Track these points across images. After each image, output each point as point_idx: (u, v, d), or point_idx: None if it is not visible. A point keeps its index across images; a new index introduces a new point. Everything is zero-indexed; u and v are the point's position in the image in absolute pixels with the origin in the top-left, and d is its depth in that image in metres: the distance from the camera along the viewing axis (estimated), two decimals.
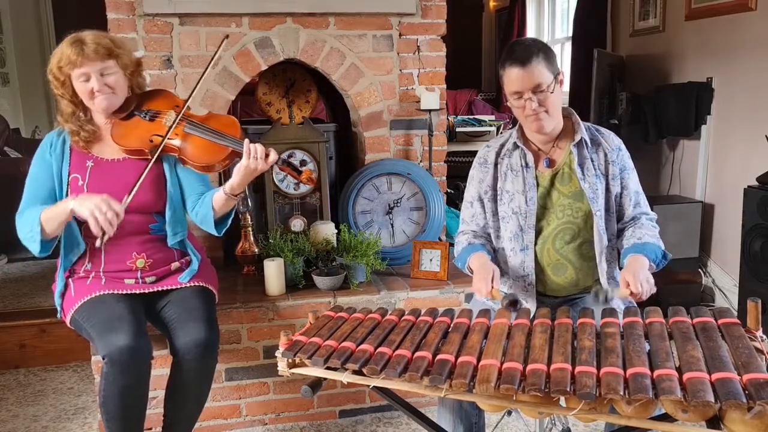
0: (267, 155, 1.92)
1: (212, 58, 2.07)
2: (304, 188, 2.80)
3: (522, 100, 1.77)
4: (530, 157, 1.87)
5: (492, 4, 7.37)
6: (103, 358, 1.82)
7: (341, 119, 3.20)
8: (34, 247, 1.90)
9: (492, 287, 1.71)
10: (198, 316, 1.96)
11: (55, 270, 2.07)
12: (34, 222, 1.87)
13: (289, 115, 2.91)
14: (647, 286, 1.64)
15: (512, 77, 1.76)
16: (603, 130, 1.93)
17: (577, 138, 1.85)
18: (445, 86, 3.00)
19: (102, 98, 1.95)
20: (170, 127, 1.98)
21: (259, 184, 2.76)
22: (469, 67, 7.22)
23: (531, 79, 1.73)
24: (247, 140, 1.94)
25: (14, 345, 2.99)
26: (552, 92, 1.76)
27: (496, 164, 1.93)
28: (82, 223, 2.00)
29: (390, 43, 2.89)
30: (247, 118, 4.12)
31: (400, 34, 2.89)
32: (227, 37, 2.11)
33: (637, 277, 1.63)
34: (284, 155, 2.05)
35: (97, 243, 1.85)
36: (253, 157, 1.90)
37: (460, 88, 6.13)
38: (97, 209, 1.77)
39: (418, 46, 2.92)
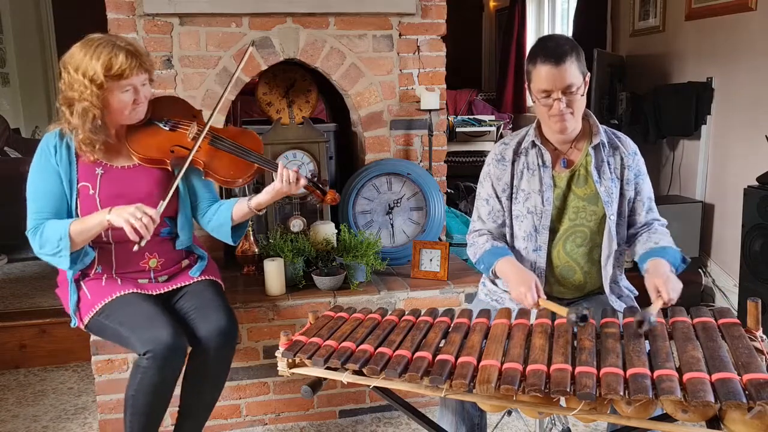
0: (298, 179, 1.99)
1: (235, 72, 2.10)
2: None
3: (550, 99, 1.73)
4: (548, 157, 1.85)
5: (492, 4, 7.36)
6: (144, 354, 1.82)
7: (341, 119, 3.20)
8: (63, 263, 1.88)
9: (539, 297, 1.66)
10: (217, 305, 2.00)
11: (56, 272, 2.06)
12: (63, 236, 1.84)
13: (289, 115, 2.91)
14: (677, 292, 1.60)
15: (543, 75, 1.72)
16: (619, 134, 1.91)
17: (596, 140, 1.83)
18: (445, 86, 3.00)
19: (138, 109, 1.95)
20: (197, 141, 1.99)
21: (259, 185, 2.76)
22: (469, 67, 7.21)
23: (563, 80, 1.70)
24: (281, 163, 2.00)
25: (14, 345, 2.99)
26: (581, 95, 1.75)
27: (513, 162, 1.90)
28: None
29: (390, 43, 2.89)
30: (247, 118, 4.12)
31: (400, 34, 2.89)
32: (253, 43, 2.13)
33: (666, 283, 1.59)
34: (308, 173, 2.12)
35: (135, 248, 1.85)
36: (287, 182, 1.97)
37: (460, 88, 6.13)
38: (132, 216, 1.79)
39: (418, 46, 2.92)
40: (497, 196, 1.91)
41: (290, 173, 1.98)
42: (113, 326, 1.91)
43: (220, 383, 2.07)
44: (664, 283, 1.59)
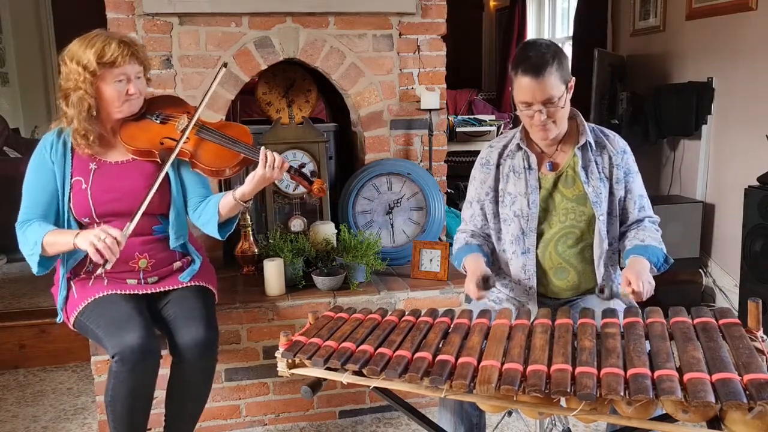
0: (282, 164, 1.95)
1: (213, 82, 2.08)
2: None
3: (531, 110, 1.73)
4: (533, 159, 1.84)
5: (492, 3, 7.36)
6: (113, 358, 1.82)
7: (341, 119, 3.19)
8: (33, 267, 1.92)
9: (479, 291, 1.74)
10: (197, 315, 1.96)
11: (54, 271, 2.06)
12: (37, 242, 1.87)
13: (288, 114, 2.91)
14: (648, 287, 1.63)
15: (523, 87, 1.71)
16: (608, 131, 1.90)
17: (582, 141, 1.82)
18: (445, 86, 3.00)
19: (132, 102, 1.95)
20: (184, 132, 1.98)
21: None
22: (469, 67, 7.21)
23: (543, 93, 1.69)
24: (263, 148, 1.96)
25: (14, 345, 2.99)
26: (562, 106, 1.73)
27: (498, 165, 1.90)
28: (83, 227, 1.99)
29: (390, 43, 2.88)
30: (247, 118, 4.11)
31: (400, 34, 2.89)
32: (225, 65, 2.13)
33: (639, 276, 1.62)
34: (296, 164, 2.06)
35: (99, 270, 1.85)
36: (269, 166, 1.92)
37: (460, 88, 6.13)
38: (96, 238, 1.77)
39: (418, 46, 2.92)
40: (479, 200, 1.94)
41: (274, 156, 1.93)
42: (92, 327, 1.92)
43: (202, 394, 2.05)
44: (636, 276, 1.62)
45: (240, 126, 2.16)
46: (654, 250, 1.75)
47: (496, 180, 1.90)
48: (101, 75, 1.88)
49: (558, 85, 1.70)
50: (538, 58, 1.69)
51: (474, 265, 1.82)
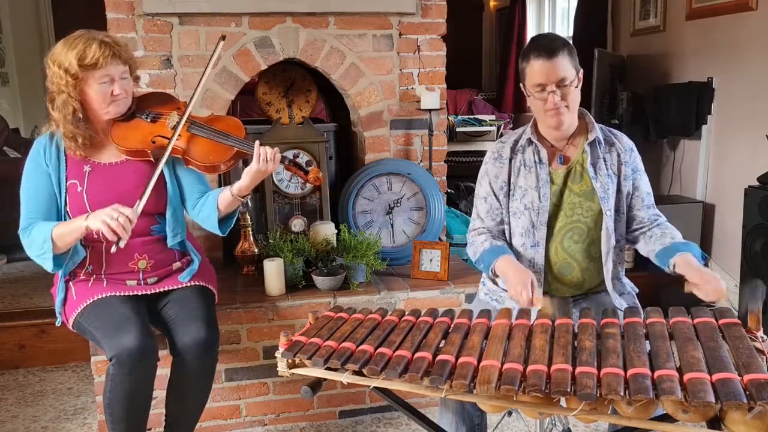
0: (275, 157, 1.93)
1: (210, 59, 2.04)
2: (304, 188, 2.80)
3: (545, 93, 1.75)
4: (544, 153, 1.85)
5: (492, 3, 7.35)
6: (111, 360, 1.82)
7: (341, 119, 3.20)
8: (47, 265, 1.89)
9: (533, 295, 1.66)
10: (198, 315, 1.96)
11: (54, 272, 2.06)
12: (46, 238, 1.85)
13: (288, 115, 2.91)
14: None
15: (536, 69, 1.74)
16: (615, 131, 1.92)
17: (592, 137, 1.84)
18: (445, 86, 3.00)
19: (118, 102, 1.94)
20: (176, 129, 1.97)
21: (258, 184, 2.75)
22: (469, 67, 7.20)
23: (556, 72, 1.73)
24: (257, 142, 1.94)
25: (14, 345, 2.99)
26: (575, 87, 1.77)
27: (510, 159, 1.90)
28: None
29: (390, 43, 2.88)
30: (247, 118, 4.11)
31: (400, 34, 2.89)
32: (224, 37, 2.08)
33: (713, 279, 1.61)
34: (290, 155, 2.04)
35: (112, 249, 1.82)
36: (263, 160, 1.91)
37: (460, 88, 6.12)
38: (108, 217, 1.77)
39: (418, 46, 2.92)
40: (495, 194, 1.91)
41: (266, 150, 1.92)
42: (90, 329, 1.92)
43: (202, 394, 2.04)
44: (712, 279, 1.62)
45: (231, 118, 2.14)
46: (693, 247, 1.75)
47: (509, 173, 1.90)
48: (83, 78, 1.87)
49: (569, 68, 1.75)
50: (550, 42, 1.75)
51: (517, 268, 1.76)
